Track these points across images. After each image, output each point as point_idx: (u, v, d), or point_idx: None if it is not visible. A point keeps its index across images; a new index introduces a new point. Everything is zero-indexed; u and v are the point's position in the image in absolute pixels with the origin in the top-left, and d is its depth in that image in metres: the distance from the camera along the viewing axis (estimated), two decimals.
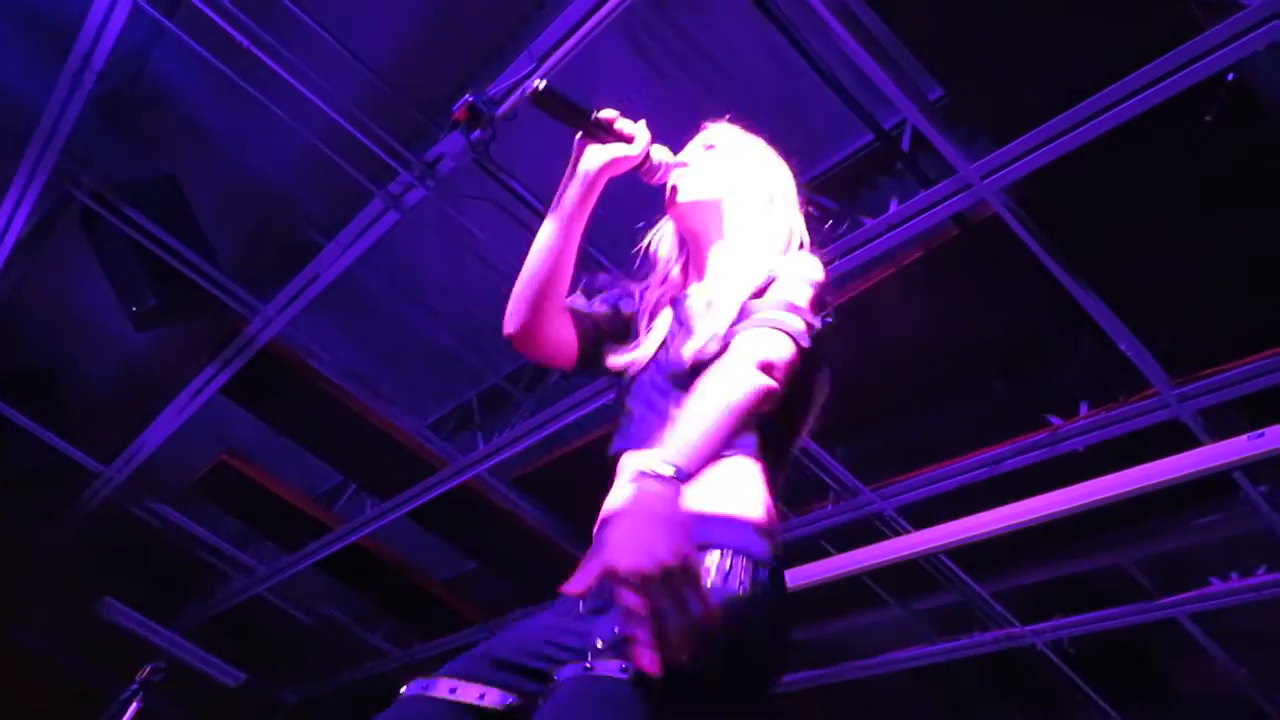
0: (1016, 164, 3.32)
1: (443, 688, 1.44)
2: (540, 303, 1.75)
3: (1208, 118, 3.06)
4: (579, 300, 1.86)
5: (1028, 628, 5.42)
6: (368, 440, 5.71)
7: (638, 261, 1.94)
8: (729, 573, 1.47)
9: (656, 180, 1.82)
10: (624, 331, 1.87)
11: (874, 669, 6.14)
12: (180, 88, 4.42)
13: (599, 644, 1.32)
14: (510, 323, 1.77)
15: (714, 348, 1.64)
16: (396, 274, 5.03)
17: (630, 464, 1.30)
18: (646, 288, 1.91)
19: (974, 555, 5.06)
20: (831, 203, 3.91)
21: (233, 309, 4.92)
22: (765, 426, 1.64)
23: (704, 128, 1.95)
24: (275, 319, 4.89)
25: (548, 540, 6.08)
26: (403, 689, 1.48)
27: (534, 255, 1.76)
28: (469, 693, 1.44)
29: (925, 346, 4.39)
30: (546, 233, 1.76)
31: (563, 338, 1.81)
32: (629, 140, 1.74)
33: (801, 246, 1.82)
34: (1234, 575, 4.79)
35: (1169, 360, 3.82)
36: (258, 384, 5.47)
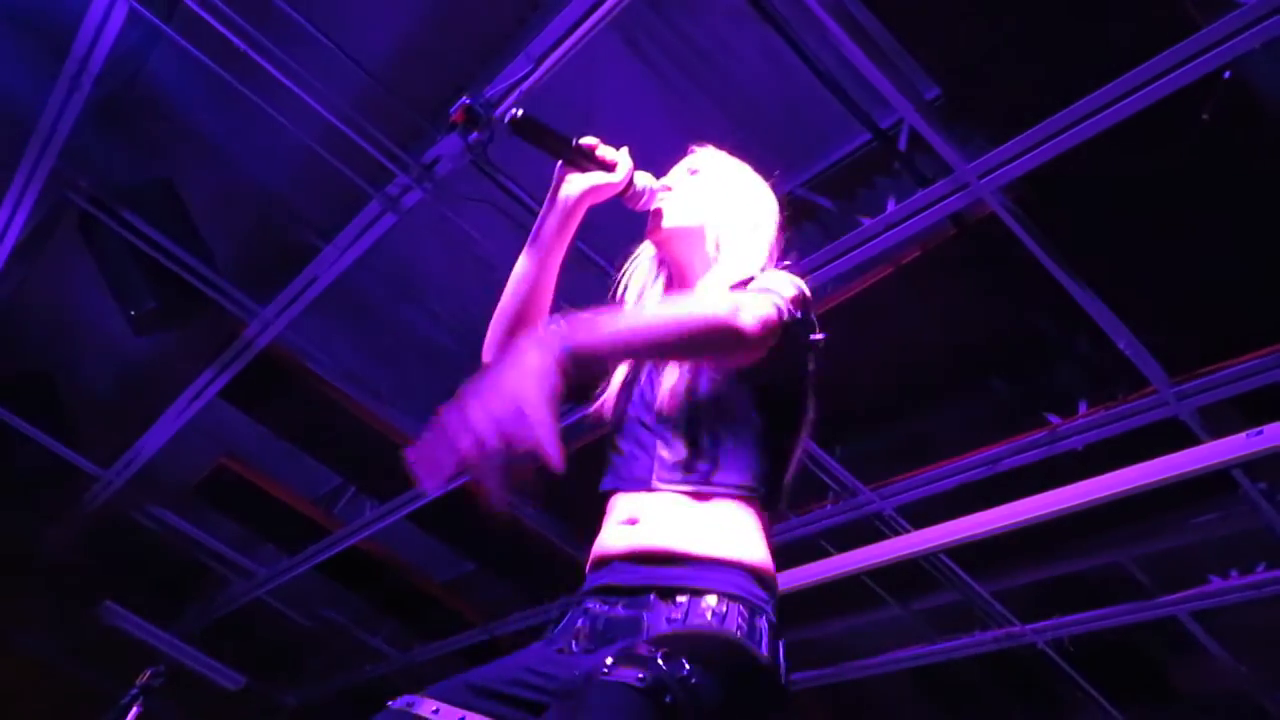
0: (1014, 163, 3.32)
1: (426, 707, 1.43)
2: (518, 332, 1.72)
3: (1205, 116, 3.07)
4: None
5: (1028, 626, 5.42)
6: (367, 442, 5.71)
7: (617, 293, 1.88)
8: (725, 616, 1.47)
9: (640, 207, 1.79)
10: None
11: (874, 669, 6.14)
12: (177, 91, 4.42)
13: (608, 660, 1.31)
14: (488, 352, 1.76)
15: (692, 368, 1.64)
16: (395, 276, 5.03)
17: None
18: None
19: (973, 554, 5.06)
20: (829, 202, 3.92)
21: (231, 312, 4.92)
22: (761, 462, 1.63)
23: (690, 151, 1.91)
24: (274, 322, 4.89)
25: (547, 541, 6.08)
26: (389, 702, 1.47)
27: (512, 284, 1.74)
28: (450, 715, 1.43)
29: (923, 346, 4.40)
30: (525, 262, 1.73)
31: None
32: (611, 167, 1.71)
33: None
34: (1234, 573, 4.79)
35: (1167, 358, 3.82)
36: (257, 387, 5.47)
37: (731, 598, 1.49)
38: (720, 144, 1.94)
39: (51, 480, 6.63)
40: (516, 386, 1.19)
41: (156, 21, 3.75)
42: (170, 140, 4.70)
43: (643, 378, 1.74)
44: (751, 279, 1.67)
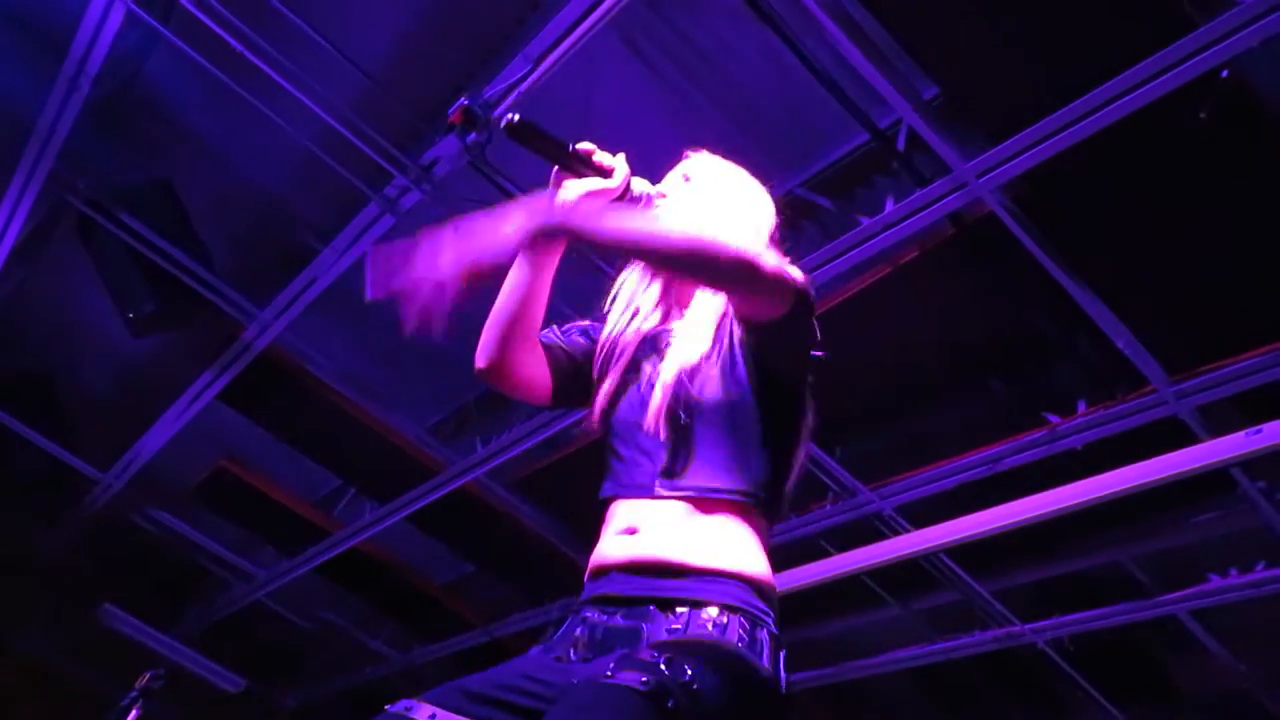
0: (1012, 162, 3.32)
1: (423, 712, 1.43)
2: (512, 338, 1.71)
3: (1202, 115, 3.07)
4: (553, 334, 1.81)
5: (1028, 626, 5.42)
6: (366, 444, 5.71)
7: (609, 298, 1.86)
8: (726, 627, 1.47)
9: None
10: (597, 368, 1.81)
11: (874, 668, 6.13)
12: (175, 93, 4.42)
13: (611, 665, 1.31)
14: (481, 357, 1.73)
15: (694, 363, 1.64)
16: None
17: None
18: (618, 326, 1.84)
19: (973, 554, 5.06)
20: (828, 202, 3.92)
21: (230, 314, 4.91)
22: (765, 482, 1.63)
23: (685, 156, 1.89)
24: (272, 324, 4.89)
25: (547, 542, 6.07)
26: (387, 706, 1.46)
27: (506, 290, 1.71)
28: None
29: (922, 345, 4.40)
30: (520, 267, 1.71)
31: (536, 374, 1.76)
32: (608, 173, 1.68)
33: None
34: (1233, 572, 4.80)
35: (1166, 357, 3.82)
36: (256, 389, 5.46)
37: (732, 609, 1.49)
38: (718, 144, 1.91)
39: (51, 483, 6.63)
40: (475, 239, 1.30)
41: (154, 23, 3.75)
42: (168, 142, 4.70)
43: (642, 382, 1.72)
44: None
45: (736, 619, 1.48)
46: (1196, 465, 3.96)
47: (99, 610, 7.59)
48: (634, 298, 1.84)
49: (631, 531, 1.60)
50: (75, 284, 5.29)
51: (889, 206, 3.69)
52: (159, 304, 4.71)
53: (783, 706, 1.48)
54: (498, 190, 3.99)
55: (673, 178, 1.85)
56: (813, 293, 1.62)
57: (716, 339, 1.68)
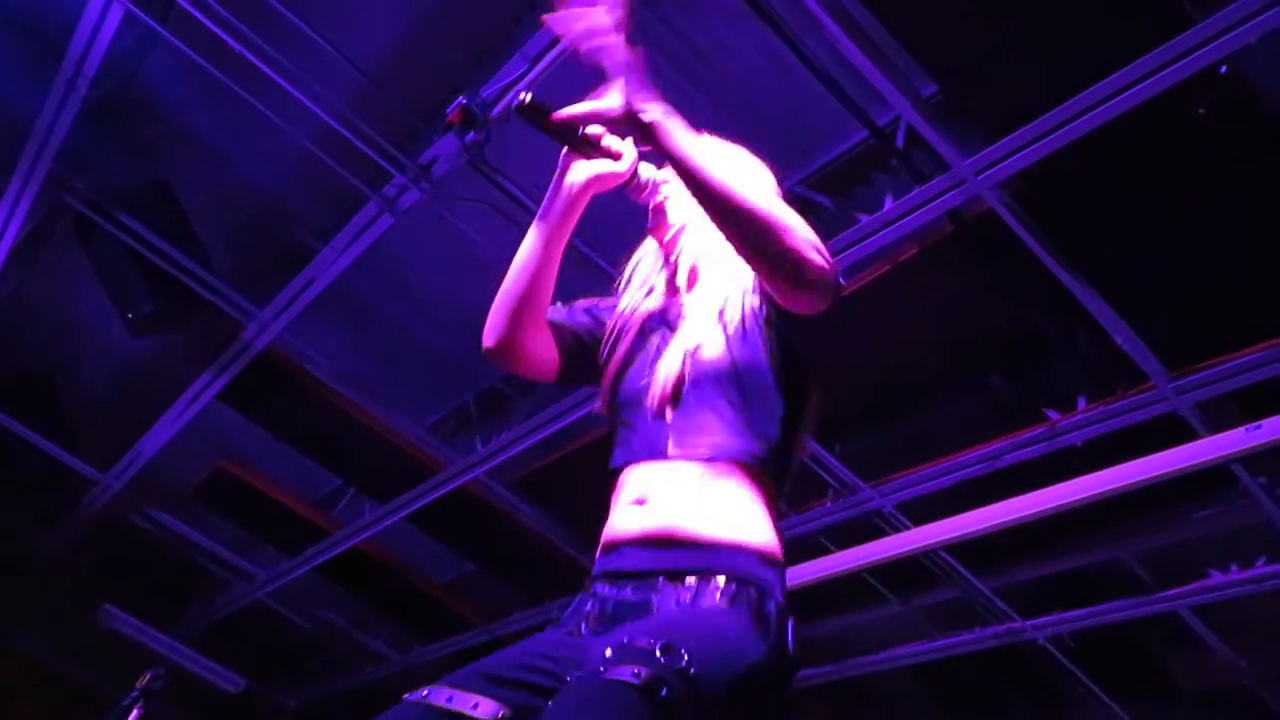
0: (1011, 159, 3.32)
1: (440, 696, 1.44)
2: (520, 316, 1.73)
3: (1201, 111, 3.07)
4: (559, 312, 1.83)
5: (1028, 622, 5.43)
6: (366, 444, 5.71)
7: (622, 281, 1.90)
8: (734, 598, 1.48)
9: (644, 199, 1.80)
10: (607, 343, 1.83)
11: (875, 665, 6.14)
12: (173, 93, 4.42)
13: (608, 652, 1.31)
14: (489, 336, 1.75)
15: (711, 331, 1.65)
16: (392, 277, 5.02)
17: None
18: (631, 301, 1.87)
19: (973, 551, 5.06)
20: (826, 200, 3.91)
21: (229, 314, 4.91)
22: (775, 447, 1.64)
23: None
24: (271, 324, 4.89)
25: (547, 541, 6.07)
26: (405, 695, 1.48)
27: (515, 268, 1.74)
28: (463, 702, 1.43)
29: (922, 343, 4.40)
30: (528, 246, 1.73)
31: (543, 351, 1.78)
32: (616, 157, 1.71)
33: None
34: (1234, 567, 4.80)
35: (1166, 354, 3.82)
36: (255, 389, 5.46)
37: (740, 580, 1.50)
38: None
39: (50, 483, 6.63)
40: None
41: (152, 23, 3.75)
42: (167, 142, 4.70)
43: (653, 352, 1.74)
44: None
45: (744, 589, 1.49)
46: (1196, 461, 3.97)
47: (99, 610, 7.60)
48: (649, 275, 1.88)
49: (641, 502, 1.61)
50: (74, 285, 5.29)
51: (888, 204, 3.69)
52: (158, 304, 4.71)
53: (790, 678, 1.50)
54: (496, 189, 3.99)
55: None
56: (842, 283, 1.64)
57: (730, 311, 1.70)
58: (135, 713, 3.68)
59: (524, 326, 1.74)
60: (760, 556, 1.55)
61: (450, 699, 1.43)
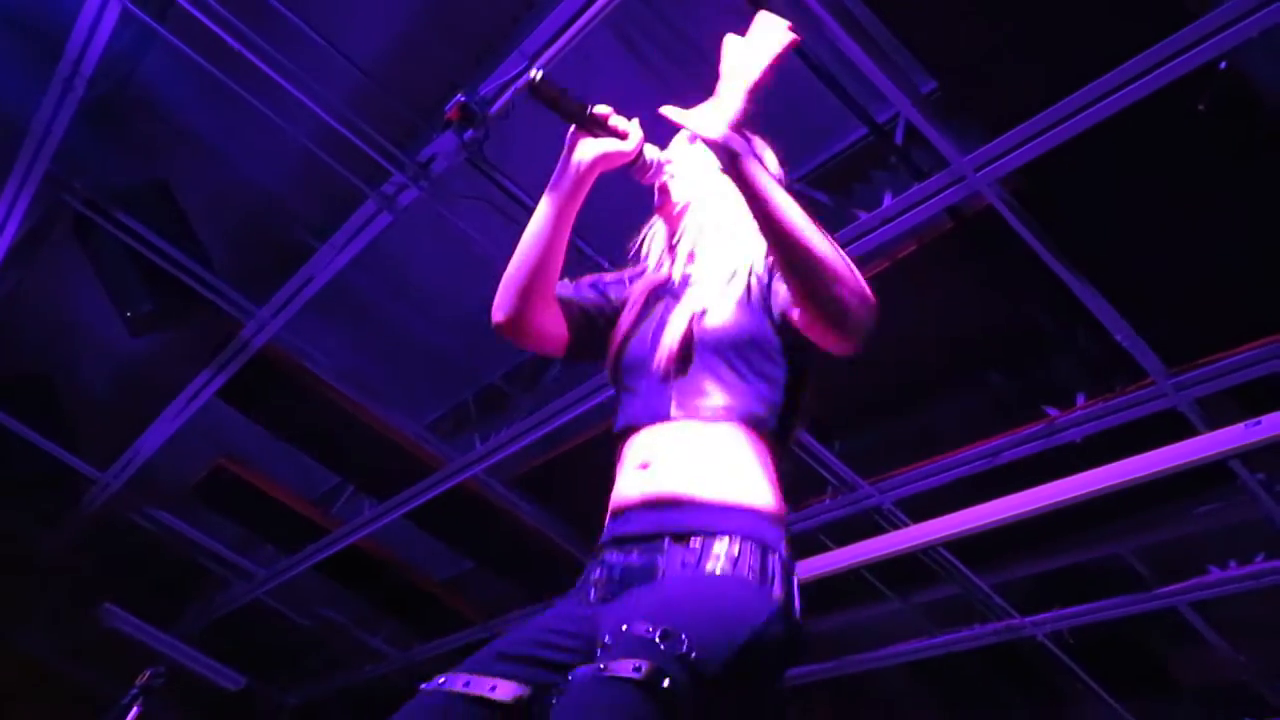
0: (1010, 156, 3.32)
1: (458, 682, 1.46)
2: (529, 291, 1.75)
3: (1201, 107, 3.06)
4: (566, 288, 1.86)
5: (1027, 619, 5.43)
6: (365, 442, 5.71)
7: (631, 253, 1.95)
8: (738, 559, 1.50)
9: (648, 179, 1.83)
10: (614, 318, 1.87)
11: (874, 662, 6.14)
12: (171, 92, 4.41)
13: (606, 639, 1.33)
14: (499, 311, 1.77)
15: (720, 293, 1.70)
16: (391, 275, 5.02)
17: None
18: (637, 275, 1.93)
19: (973, 547, 5.06)
20: (825, 197, 3.91)
21: (227, 313, 4.91)
22: (777, 410, 1.67)
23: None
24: (270, 322, 4.88)
25: (546, 539, 6.07)
26: (421, 685, 1.50)
27: (524, 244, 1.76)
28: (481, 685, 1.45)
29: (921, 340, 4.39)
30: (537, 221, 1.76)
31: (552, 326, 1.81)
32: (623, 136, 1.74)
33: None
34: (1233, 563, 4.80)
35: (1165, 350, 3.82)
36: (254, 387, 5.46)
37: (744, 538, 1.52)
38: None
39: (50, 483, 6.63)
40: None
41: (150, 22, 3.74)
42: (165, 141, 4.69)
43: (657, 320, 1.77)
44: None
45: (748, 546, 1.52)
46: (1195, 457, 3.97)
47: (99, 609, 7.59)
48: (656, 250, 1.92)
49: (645, 466, 1.64)
50: (73, 284, 5.29)
51: (887, 201, 3.69)
52: (156, 303, 4.70)
53: (795, 639, 1.51)
54: (495, 186, 3.99)
55: (678, 141, 1.93)
56: None
57: (736, 282, 1.74)
58: (135, 711, 3.68)
59: (533, 302, 1.76)
60: (763, 515, 1.58)
61: (468, 684, 1.45)
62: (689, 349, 1.68)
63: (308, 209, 4.76)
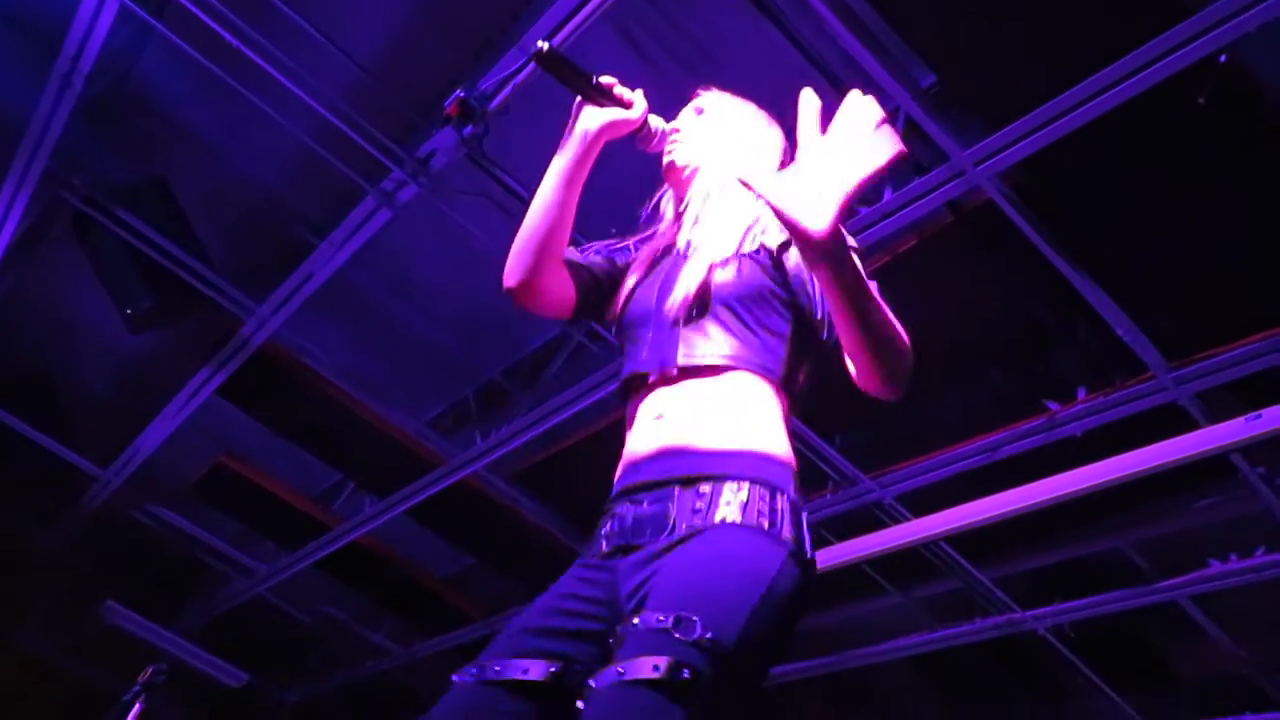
0: (1010, 150, 3.31)
1: (489, 670, 1.48)
2: (540, 256, 1.79)
3: (1201, 100, 3.06)
4: (574, 253, 1.90)
5: (1028, 613, 5.43)
6: (365, 439, 5.70)
7: (643, 218, 2.00)
8: (747, 504, 1.50)
9: (653, 148, 1.89)
10: (619, 280, 1.91)
11: (875, 657, 6.15)
12: (170, 88, 4.41)
13: (623, 630, 1.35)
14: (510, 276, 1.81)
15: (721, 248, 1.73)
16: (391, 272, 5.02)
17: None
18: (642, 240, 1.97)
19: (974, 542, 5.06)
20: None
21: (227, 310, 4.91)
22: (784, 362, 1.69)
23: (696, 95, 2.04)
24: (270, 319, 4.88)
25: (547, 535, 6.08)
26: (453, 676, 1.51)
27: (534, 210, 1.80)
28: (513, 670, 1.47)
29: (921, 334, 4.34)
30: (546, 188, 1.80)
31: (561, 290, 1.84)
32: (628, 106, 1.80)
33: None
34: (1233, 557, 4.80)
35: (1165, 344, 3.82)
36: (254, 385, 5.46)
37: (752, 481, 1.53)
38: None
39: (50, 480, 6.63)
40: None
41: (148, 18, 3.73)
42: (164, 138, 4.69)
43: (664, 277, 1.80)
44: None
45: (757, 490, 1.52)
46: (1196, 451, 3.97)
47: (100, 607, 7.60)
48: (664, 215, 1.97)
49: (660, 418, 1.66)
50: (72, 282, 5.28)
51: (887, 195, 3.68)
52: (156, 300, 4.70)
53: (808, 578, 1.51)
54: (495, 182, 3.98)
55: (686, 113, 1.99)
56: None
57: (744, 241, 1.77)
58: (137, 707, 3.68)
59: (544, 266, 1.79)
60: (771, 459, 1.59)
61: (499, 670, 1.47)
62: (697, 300, 1.69)
63: (307, 205, 4.75)
